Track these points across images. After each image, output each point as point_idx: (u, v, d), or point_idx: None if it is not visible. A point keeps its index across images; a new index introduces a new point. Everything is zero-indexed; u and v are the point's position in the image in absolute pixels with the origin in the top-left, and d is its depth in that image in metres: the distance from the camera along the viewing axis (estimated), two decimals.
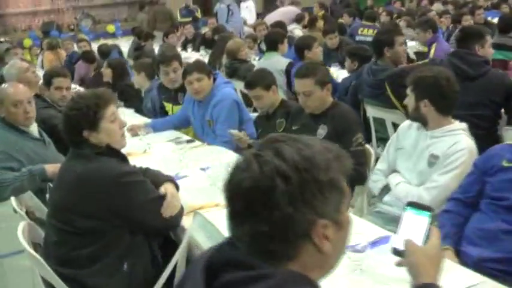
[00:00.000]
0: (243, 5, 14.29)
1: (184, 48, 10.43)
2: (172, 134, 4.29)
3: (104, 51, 7.47)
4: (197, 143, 3.97)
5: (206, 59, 8.82)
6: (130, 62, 7.74)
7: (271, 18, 10.24)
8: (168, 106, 4.84)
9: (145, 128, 4.26)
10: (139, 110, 5.37)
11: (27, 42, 14.96)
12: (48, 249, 2.46)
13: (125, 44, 11.38)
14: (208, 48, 9.77)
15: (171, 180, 2.67)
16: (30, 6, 18.33)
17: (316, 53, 5.48)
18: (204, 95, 4.12)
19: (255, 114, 4.43)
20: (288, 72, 5.88)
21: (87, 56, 7.75)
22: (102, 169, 2.39)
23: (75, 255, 2.37)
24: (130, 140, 3.96)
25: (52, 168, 3.08)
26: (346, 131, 3.32)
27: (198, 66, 4.12)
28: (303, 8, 12.77)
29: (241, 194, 1.14)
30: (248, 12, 13.81)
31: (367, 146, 3.49)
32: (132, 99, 5.62)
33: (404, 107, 4.19)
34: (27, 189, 3.01)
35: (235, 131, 3.90)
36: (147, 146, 3.86)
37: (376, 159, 3.37)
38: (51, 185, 2.95)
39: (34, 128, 3.44)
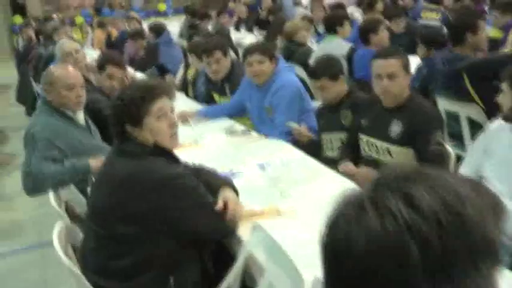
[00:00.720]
0: None
1: (237, 28, 10.07)
2: (226, 123, 3.95)
3: (157, 30, 7.14)
4: (254, 135, 3.61)
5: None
6: (183, 43, 7.42)
7: None
8: (216, 96, 4.52)
9: (196, 115, 3.92)
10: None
11: (79, 19, 14.89)
12: (85, 256, 2.17)
13: (174, 24, 11.08)
14: (262, 29, 9.39)
15: (229, 183, 2.33)
16: None
17: (383, 37, 5.02)
18: (264, 79, 3.77)
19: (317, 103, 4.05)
20: (349, 57, 5.45)
21: (135, 35, 7.47)
22: (148, 170, 2.07)
23: (113, 265, 2.06)
24: (180, 129, 3.68)
25: (97, 162, 2.80)
26: (425, 128, 2.90)
27: (260, 47, 3.76)
28: None
29: (351, 259, 0.76)
30: None
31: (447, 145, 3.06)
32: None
33: (484, 102, 3.77)
34: (68, 184, 2.74)
35: (294, 124, 3.53)
36: (198, 137, 3.52)
37: None
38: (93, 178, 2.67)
39: (80, 115, 3.17)
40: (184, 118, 3.97)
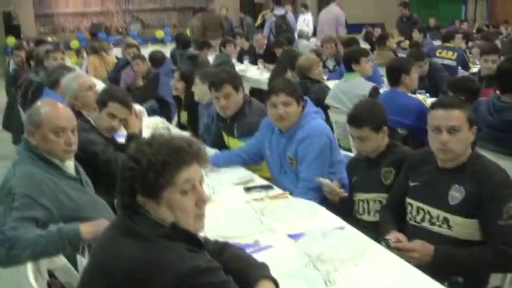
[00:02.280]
0: (300, 18, 13.51)
1: (240, 60, 9.59)
2: (240, 173, 3.39)
3: (158, 59, 6.59)
4: (276, 191, 3.04)
5: (264, 74, 8.05)
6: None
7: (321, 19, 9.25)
8: (225, 137, 3.98)
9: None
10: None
11: (75, 43, 14.43)
12: None
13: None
14: (268, 62, 8.92)
15: (267, 275, 1.76)
16: (80, 6, 17.94)
17: (414, 79, 4.52)
18: (289, 124, 3.24)
19: (348, 154, 3.51)
20: (370, 97, 4.94)
21: (137, 58, 6.92)
22: (164, 261, 1.51)
23: None
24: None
25: (89, 228, 2.25)
26: (494, 197, 2.38)
27: (287, 86, 3.23)
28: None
29: None
30: (305, 26, 13.00)
31: None
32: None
33: None
34: (52, 255, 2.17)
35: (325, 181, 2.99)
36: (211, 191, 2.94)
37: None
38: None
39: (70, 163, 2.60)
40: None
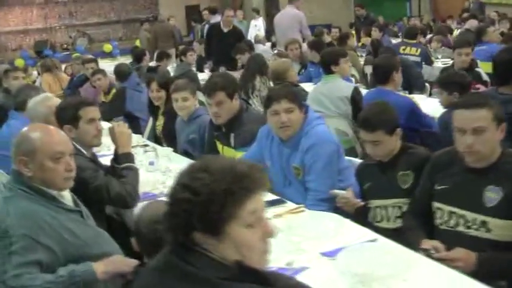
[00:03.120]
0: (252, 23, 13.36)
1: (199, 69, 9.32)
2: None
3: (124, 72, 6.25)
4: (290, 205, 2.82)
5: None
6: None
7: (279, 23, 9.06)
8: (220, 146, 3.75)
9: None
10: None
11: (20, 62, 13.82)
12: None
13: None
14: (230, 69, 8.70)
15: None
16: (21, 24, 17.28)
17: (399, 77, 4.40)
18: (292, 132, 3.02)
19: (353, 160, 3.33)
20: (354, 99, 4.79)
21: (98, 73, 6.57)
22: None
23: None
24: None
25: (104, 267, 1.98)
26: None
27: (289, 92, 3.02)
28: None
29: None
30: (257, 31, 12.87)
31: None
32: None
33: None
34: None
35: (340, 192, 2.80)
36: None
37: None
38: None
39: (67, 195, 2.31)
40: None
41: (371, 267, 1.99)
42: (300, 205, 2.79)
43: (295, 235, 2.33)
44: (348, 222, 2.54)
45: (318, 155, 2.97)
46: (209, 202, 1.29)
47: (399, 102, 4.27)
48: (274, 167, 3.19)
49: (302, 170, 3.04)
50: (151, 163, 3.63)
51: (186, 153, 4.24)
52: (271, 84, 5.60)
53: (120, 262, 2.12)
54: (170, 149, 4.10)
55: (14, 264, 1.92)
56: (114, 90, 6.53)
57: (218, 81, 3.54)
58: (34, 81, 8.78)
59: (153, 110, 5.06)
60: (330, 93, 4.88)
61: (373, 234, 2.41)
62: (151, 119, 5.49)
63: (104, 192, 2.81)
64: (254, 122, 3.44)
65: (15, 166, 2.18)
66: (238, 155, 3.44)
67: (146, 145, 4.31)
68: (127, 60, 13.61)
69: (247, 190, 1.33)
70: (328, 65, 5.01)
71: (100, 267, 2.01)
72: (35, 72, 9.76)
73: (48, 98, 3.58)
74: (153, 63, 8.88)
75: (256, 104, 6.08)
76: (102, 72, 6.57)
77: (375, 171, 2.91)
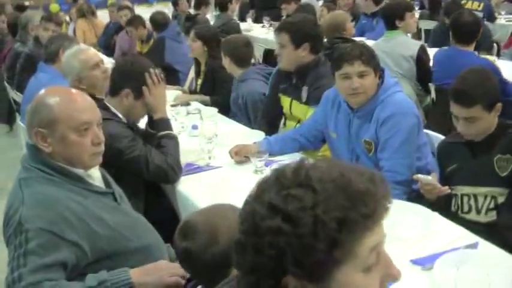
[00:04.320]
0: None
1: (242, 17, 8.74)
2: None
3: (161, 21, 5.74)
4: None
5: (271, 33, 7.25)
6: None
7: None
8: (286, 100, 3.29)
9: (259, 151, 2.65)
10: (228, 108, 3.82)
11: (54, 7, 13.26)
12: None
13: (166, 10, 9.64)
14: (275, 19, 8.12)
15: None
16: None
17: None
18: (365, 99, 2.54)
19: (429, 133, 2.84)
20: (420, 59, 4.24)
21: (134, 22, 6.10)
22: None
23: None
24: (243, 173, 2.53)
25: (144, 276, 1.58)
26: None
27: (363, 53, 2.50)
28: None
29: None
30: None
31: None
32: (225, 89, 4.04)
33: None
34: None
35: (425, 177, 2.30)
36: None
37: None
38: None
39: (96, 173, 1.88)
40: (240, 155, 2.72)
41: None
42: None
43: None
44: (437, 218, 2.06)
45: (395, 129, 2.48)
46: (313, 237, 0.83)
47: (478, 64, 3.75)
48: (340, 140, 2.72)
49: (374, 146, 2.56)
50: (194, 127, 3.19)
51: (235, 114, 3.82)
52: (325, 40, 5.04)
53: (166, 270, 1.69)
54: (215, 110, 3.65)
55: (31, 267, 1.51)
56: (152, 40, 6.09)
57: (287, 21, 3.28)
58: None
59: (195, 63, 4.56)
60: (392, 51, 4.35)
61: (473, 237, 1.93)
62: (191, 72, 5.04)
63: (142, 165, 2.39)
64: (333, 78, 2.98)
65: (31, 140, 1.76)
66: (310, 112, 2.98)
67: (188, 104, 3.87)
68: (164, 7, 13.12)
69: (369, 218, 0.86)
70: (392, 19, 4.45)
71: (139, 276, 1.60)
72: (67, 18, 9.31)
73: (81, 51, 3.13)
74: (192, 11, 8.36)
75: None
76: (135, 23, 6.08)
77: (462, 151, 2.41)
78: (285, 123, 3.40)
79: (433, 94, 4.08)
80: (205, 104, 3.92)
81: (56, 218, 1.62)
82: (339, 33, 4.79)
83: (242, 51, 3.84)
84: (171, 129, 2.62)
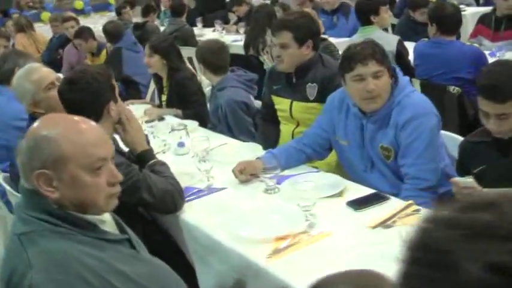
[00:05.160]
0: None
1: (191, 23, 8.40)
2: (322, 178, 2.37)
3: (115, 31, 5.33)
4: (395, 202, 2.12)
5: (224, 37, 6.95)
6: None
7: None
8: (282, 102, 3.04)
9: (269, 166, 2.35)
10: (203, 121, 3.50)
11: None
12: None
13: (101, 21, 9.17)
14: (227, 22, 7.86)
15: None
16: None
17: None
18: (382, 103, 2.31)
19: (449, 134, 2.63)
20: (399, 54, 4.08)
21: (83, 34, 5.68)
22: None
23: None
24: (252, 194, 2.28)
25: None
26: None
27: (376, 51, 2.28)
28: None
29: None
30: None
31: None
32: (196, 102, 3.71)
33: None
34: None
35: (464, 179, 2.08)
36: (309, 219, 1.97)
37: None
38: None
39: (107, 217, 1.55)
40: (248, 175, 2.42)
41: None
42: (409, 201, 2.08)
43: None
44: None
45: (418, 132, 2.27)
46: None
47: (464, 51, 3.65)
48: (352, 147, 2.47)
49: (394, 151, 2.34)
50: (181, 144, 2.87)
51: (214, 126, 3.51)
52: None
53: None
54: (196, 123, 3.34)
55: None
56: (104, 51, 5.69)
57: (287, 19, 2.96)
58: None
59: (156, 80, 4.18)
60: None
61: None
62: (152, 84, 4.70)
63: (144, 191, 2.06)
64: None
65: (29, 184, 1.40)
66: (320, 108, 2.75)
67: (162, 118, 3.54)
68: (101, 17, 12.61)
69: None
70: (366, 14, 4.27)
71: None
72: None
73: (33, 70, 2.74)
74: (137, 19, 7.98)
75: (267, 62, 5.34)
76: (83, 35, 5.65)
77: (490, 151, 2.21)
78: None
79: (418, 89, 3.92)
80: (179, 118, 3.60)
81: (73, 279, 1.29)
82: None
83: (217, 57, 3.55)
84: (156, 157, 2.32)
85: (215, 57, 3.54)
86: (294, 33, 2.82)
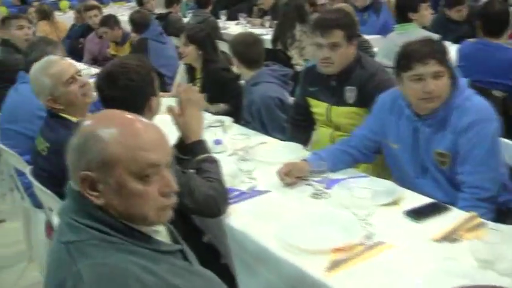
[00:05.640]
0: None
1: (215, 14, 8.26)
2: (373, 184, 2.23)
3: (141, 21, 5.20)
4: (456, 212, 1.98)
5: (248, 30, 6.81)
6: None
7: None
8: (319, 105, 2.89)
9: (317, 169, 2.20)
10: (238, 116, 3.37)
11: (3, 10, 12.51)
12: None
13: (120, 11, 9.06)
14: (250, 15, 7.70)
15: None
16: None
17: None
18: (439, 104, 2.17)
19: None
20: None
21: (108, 22, 5.56)
22: None
23: None
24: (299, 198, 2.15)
25: None
26: None
27: (437, 50, 2.15)
28: None
29: None
30: None
31: None
32: (231, 93, 3.59)
33: None
34: None
35: None
36: (368, 229, 1.83)
37: None
38: None
39: (160, 227, 1.40)
40: (293, 177, 2.29)
41: None
42: (473, 213, 1.93)
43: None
44: None
45: (480, 138, 2.12)
46: None
47: (509, 56, 3.49)
48: (403, 151, 2.33)
49: (450, 157, 2.19)
50: (217, 142, 2.73)
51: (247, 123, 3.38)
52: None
53: None
54: (230, 119, 3.20)
55: None
56: (128, 43, 5.57)
57: (335, 17, 2.74)
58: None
59: (188, 70, 4.07)
60: None
61: None
62: (178, 77, 4.56)
63: (187, 198, 1.92)
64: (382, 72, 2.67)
65: (76, 185, 1.27)
66: (359, 113, 2.66)
67: None
68: (120, 7, 12.48)
69: None
70: (405, 11, 4.12)
71: None
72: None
73: (52, 63, 2.51)
74: (159, 10, 7.84)
75: (295, 57, 5.20)
76: (109, 23, 5.54)
77: None
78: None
79: None
80: (215, 114, 3.47)
81: None
82: None
83: (251, 51, 3.41)
84: (210, 152, 2.16)
85: (250, 51, 3.40)
86: (346, 32, 2.66)
